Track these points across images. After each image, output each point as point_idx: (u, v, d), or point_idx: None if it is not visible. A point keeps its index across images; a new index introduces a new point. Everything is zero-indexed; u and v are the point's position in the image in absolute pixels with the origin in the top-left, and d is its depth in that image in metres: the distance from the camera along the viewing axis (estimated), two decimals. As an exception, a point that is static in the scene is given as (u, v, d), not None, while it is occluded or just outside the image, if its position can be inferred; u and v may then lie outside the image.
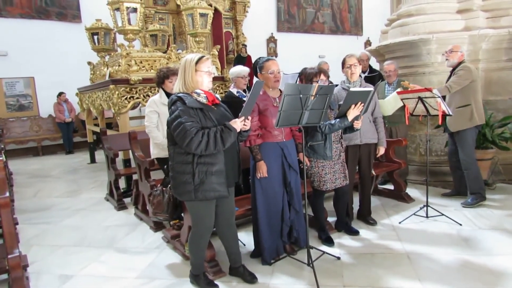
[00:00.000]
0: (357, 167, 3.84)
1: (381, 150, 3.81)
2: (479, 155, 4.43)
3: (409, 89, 4.01)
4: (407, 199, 4.45)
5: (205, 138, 2.35)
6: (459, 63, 4.09)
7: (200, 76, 2.51)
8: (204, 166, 2.45)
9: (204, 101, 2.52)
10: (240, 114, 2.48)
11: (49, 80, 9.65)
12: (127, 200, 4.94)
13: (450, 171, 4.59)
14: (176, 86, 2.56)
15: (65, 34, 9.79)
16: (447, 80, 4.19)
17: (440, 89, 3.96)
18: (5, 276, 2.91)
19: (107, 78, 6.10)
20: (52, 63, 9.68)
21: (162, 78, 3.85)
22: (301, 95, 2.58)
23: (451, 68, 4.20)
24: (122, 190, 5.05)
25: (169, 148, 2.56)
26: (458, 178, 4.40)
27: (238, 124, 2.45)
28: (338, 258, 3.12)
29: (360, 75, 3.66)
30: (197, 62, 2.50)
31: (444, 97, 4.13)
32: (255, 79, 2.89)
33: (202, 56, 2.54)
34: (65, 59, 9.66)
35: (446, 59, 4.17)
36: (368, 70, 5.91)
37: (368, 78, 5.62)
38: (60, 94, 9.59)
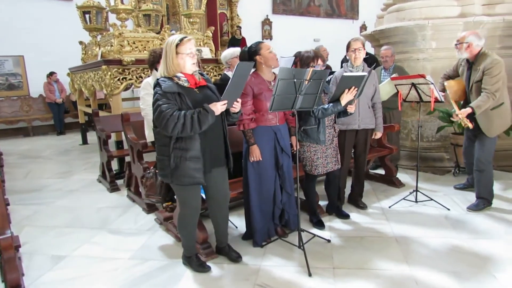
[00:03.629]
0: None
1: (378, 135, 3.86)
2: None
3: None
4: (398, 184, 4.51)
5: (181, 119, 2.33)
6: (477, 55, 3.53)
7: (182, 58, 2.44)
8: (179, 151, 2.44)
9: (186, 84, 2.47)
10: (222, 96, 2.44)
11: (39, 59, 9.48)
12: (119, 181, 4.94)
13: (466, 168, 4.24)
14: (159, 70, 2.53)
15: (56, 12, 9.57)
16: (468, 77, 3.62)
17: (481, 101, 3.40)
18: (-3, 256, 2.93)
19: (99, 59, 6.01)
20: (42, 41, 9.48)
21: (158, 58, 3.77)
22: (295, 80, 2.57)
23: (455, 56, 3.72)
24: (114, 172, 5.04)
25: (154, 130, 2.57)
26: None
27: (218, 107, 2.40)
28: (329, 241, 3.17)
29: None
30: (177, 45, 2.43)
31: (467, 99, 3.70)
32: None
33: (183, 38, 2.46)
34: (56, 38, 9.46)
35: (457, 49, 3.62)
36: None
37: None
38: (51, 74, 9.44)
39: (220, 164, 2.70)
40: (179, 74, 2.48)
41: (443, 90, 3.82)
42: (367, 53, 5.93)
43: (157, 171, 3.06)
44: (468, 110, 3.44)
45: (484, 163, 3.67)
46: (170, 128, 2.34)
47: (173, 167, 2.45)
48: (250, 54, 2.98)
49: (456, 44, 3.61)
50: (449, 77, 3.93)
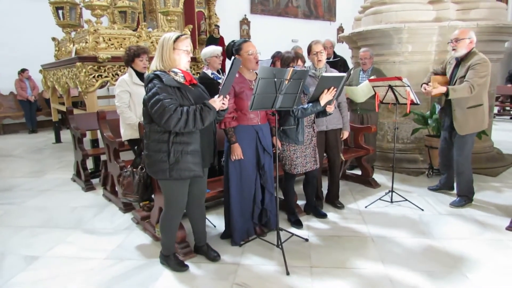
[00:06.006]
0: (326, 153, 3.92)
1: (345, 134, 3.93)
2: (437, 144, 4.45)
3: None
4: (374, 184, 4.60)
5: (184, 115, 2.33)
6: (469, 52, 3.59)
7: (178, 54, 2.47)
8: (180, 145, 2.44)
9: (182, 80, 2.49)
10: (219, 92, 2.46)
11: (9, 56, 9.11)
12: (94, 180, 4.84)
13: (440, 167, 4.31)
14: (153, 63, 2.50)
15: (27, 8, 9.25)
16: (453, 74, 3.72)
17: (459, 87, 3.50)
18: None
19: (73, 55, 5.86)
20: (13, 38, 9.13)
21: (132, 56, 3.76)
22: (275, 79, 2.58)
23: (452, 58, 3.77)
24: (89, 171, 4.92)
25: (145, 126, 2.53)
26: (448, 174, 4.22)
27: (217, 103, 2.43)
28: (306, 240, 3.20)
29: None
30: (175, 40, 2.45)
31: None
32: (227, 62, 2.86)
33: (181, 35, 2.50)
34: (27, 34, 9.15)
35: (453, 49, 3.64)
36: (332, 56, 6.00)
37: (330, 63, 5.70)
38: (23, 70, 9.13)
39: (211, 160, 2.73)
40: (176, 70, 2.48)
41: (429, 81, 3.88)
42: (337, 55, 6.08)
43: (134, 169, 3.03)
44: (443, 89, 3.55)
45: (463, 164, 3.86)
46: (173, 124, 2.32)
47: (173, 162, 2.43)
48: (233, 51, 2.99)
49: (451, 42, 3.64)
50: (436, 74, 4.01)
